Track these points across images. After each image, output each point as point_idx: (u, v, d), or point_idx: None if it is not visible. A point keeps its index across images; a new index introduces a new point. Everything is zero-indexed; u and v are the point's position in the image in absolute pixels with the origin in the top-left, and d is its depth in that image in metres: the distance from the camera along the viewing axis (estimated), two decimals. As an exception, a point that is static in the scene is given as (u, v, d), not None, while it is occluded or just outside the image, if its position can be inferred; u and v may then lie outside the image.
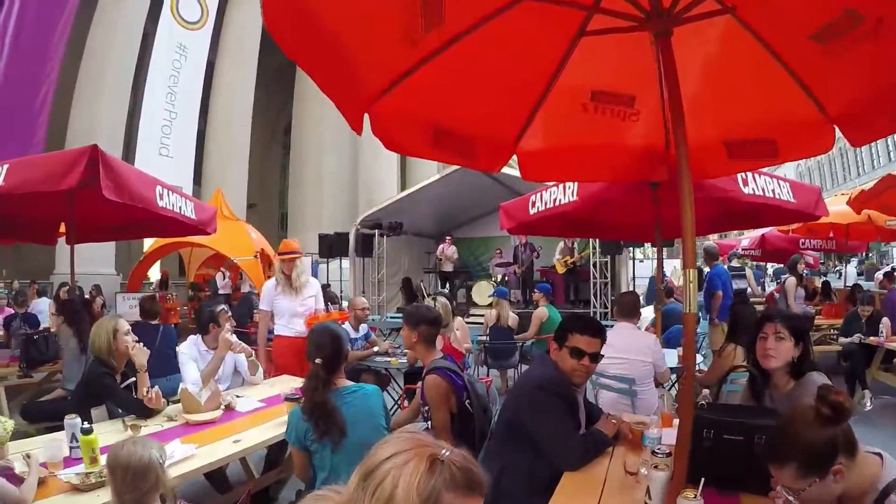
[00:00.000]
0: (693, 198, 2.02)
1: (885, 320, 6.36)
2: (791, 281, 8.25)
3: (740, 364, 3.22)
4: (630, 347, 3.92)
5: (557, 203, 4.03)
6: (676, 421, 2.35)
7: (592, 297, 11.56)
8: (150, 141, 14.79)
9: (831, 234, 10.25)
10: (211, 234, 5.79)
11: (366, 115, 2.18)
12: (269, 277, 13.03)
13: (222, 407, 3.35)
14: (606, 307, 11.44)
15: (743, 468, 1.93)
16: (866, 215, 8.36)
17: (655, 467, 1.96)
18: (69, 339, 4.97)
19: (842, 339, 6.97)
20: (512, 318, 6.91)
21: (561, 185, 4.02)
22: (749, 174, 3.73)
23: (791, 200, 4.06)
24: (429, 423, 2.96)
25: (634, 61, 2.43)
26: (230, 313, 4.24)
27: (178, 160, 15.39)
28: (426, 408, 2.95)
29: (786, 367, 2.30)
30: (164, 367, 4.87)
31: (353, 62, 1.96)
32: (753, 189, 3.78)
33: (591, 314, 11.13)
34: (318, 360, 2.43)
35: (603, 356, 2.59)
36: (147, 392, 3.20)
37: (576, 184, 3.86)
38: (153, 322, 5.58)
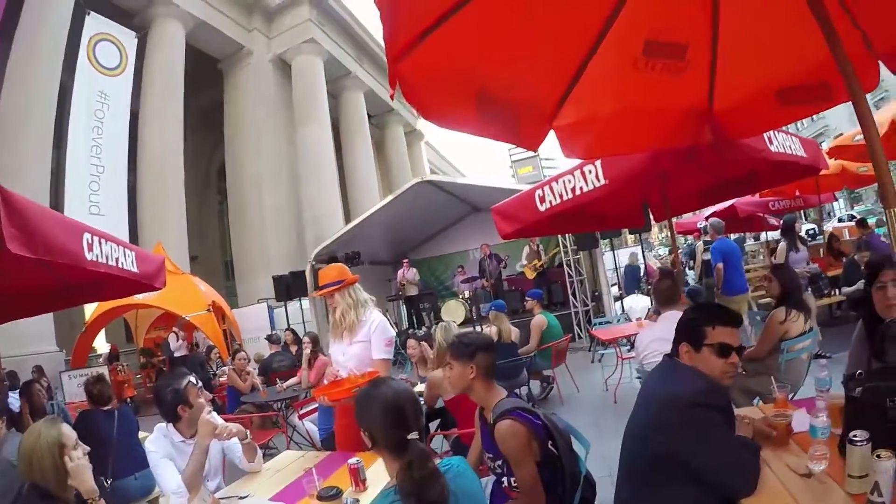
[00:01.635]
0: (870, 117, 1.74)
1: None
2: (782, 246, 8.01)
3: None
4: None
5: (579, 192, 3.54)
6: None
7: (571, 296, 11.11)
8: (78, 199, 13.69)
9: (797, 193, 10.23)
10: (159, 290, 4.67)
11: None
12: (225, 331, 12.63)
13: None
14: (587, 305, 11.04)
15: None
16: (840, 166, 8.38)
17: (878, 458, 1.61)
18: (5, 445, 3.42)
19: (846, 289, 6.84)
20: (514, 333, 6.33)
21: (577, 172, 3.55)
22: (772, 132, 3.42)
23: (804, 155, 3.79)
24: (504, 479, 2.37)
25: (691, 3, 2.20)
26: (199, 384, 3.12)
27: (111, 217, 14.20)
28: (498, 462, 2.36)
29: None
30: (129, 462, 3.96)
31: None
32: (778, 147, 3.47)
33: (573, 315, 10.81)
34: (414, 436, 1.73)
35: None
36: None
37: (597, 164, 3.41)
38: (105, 408, 4.45)
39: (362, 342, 3.40)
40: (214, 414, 2.97)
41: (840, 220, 22.04)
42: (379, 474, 2.60)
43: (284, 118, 21.39)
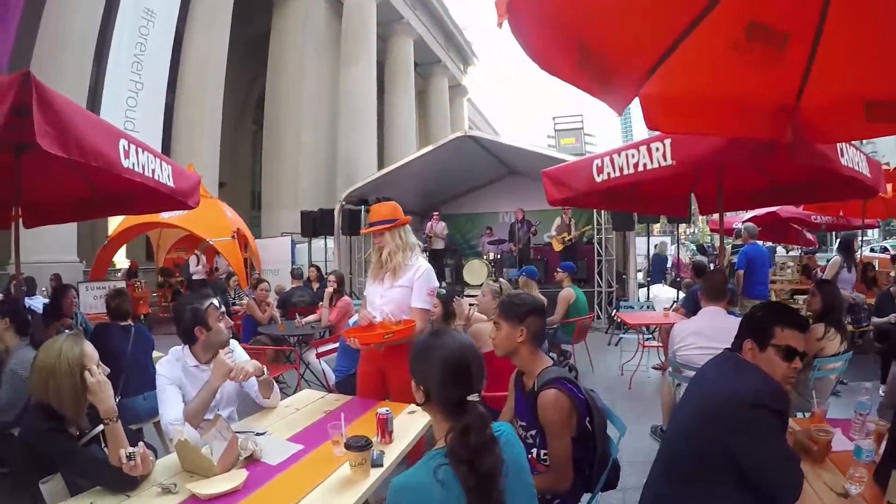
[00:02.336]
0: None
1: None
2: (836, 260, 7.66)
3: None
4: (724, 336, 3.39)
5: (642, 168, 3.40)
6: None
7: (597, 275, 10.94)
8: (114, 114, 13.53)
9: (841, 212, 9.90)
10: (192, 208, 4.56)
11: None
12: (246, 259, 12.68)
13: (240, 459, 2.25)
14: (612, 286, 10.88)
15: None
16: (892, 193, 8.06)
17: None
18: (15, 354, 3.35)
19: (875, 320, 6.61)
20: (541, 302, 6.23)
21: (643, 147, 3.40)
22: (844, 145, 3.31)
23: (868, 175, 3.64)
24: (533, 451, 2.25)
25: None
26: (222, 308, 2.94)
27: (145, 135, 13.93)
28: (531, 432, 2.27)
29: None
30: (140, 380, 3.87)
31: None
32: (848, 161, 3.34)
33: (597, 294, 10.67)
34: (475, 397, 1.56)
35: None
36: (127, 457, 1.99)
37: (666, 143, 3.25)
38: (122, 323, 4.40)
39: (403, 287, 3.26)
40: (234, 353, 2.86)
41: (872, 250, 21.56)
42: (402, 428, 2.56)
43: (330, 56, 21.09)
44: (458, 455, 1.44)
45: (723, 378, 2.03)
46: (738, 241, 9.20)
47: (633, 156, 3.50)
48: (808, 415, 2.72)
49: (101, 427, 2.16)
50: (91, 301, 10.28)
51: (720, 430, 1.85)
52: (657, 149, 3.31)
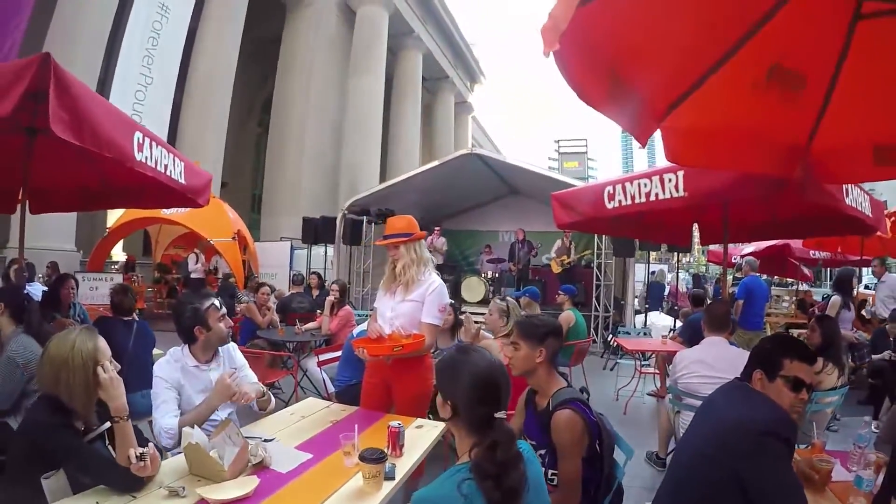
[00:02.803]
0: None
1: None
2: (836, 300, 7.63)
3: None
4: (727, 365, 3.48)
5: (654, 198, 3.46)
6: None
7: (595, 299, 11.00)
8: (122, 107, 13.52)
9: (839, 249, 10.01)
10: (201, 206, 4.57)
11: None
12: (244, 261, 12.67)
13: (250, 465, 2.22)
14: (609, 311, 10.94)
15: None
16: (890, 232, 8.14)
17: None
18: (11, 341, 3.24)
19: (872, 357, 6.59)
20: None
21: (655, 177, 3.46)
22: (849, 185, 3.38)
23: (870, 214, 3.74)
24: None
25: (824, 39, 2.17)
26: (223, 310, 2.90)
27: (151, 130, 14.06)
28: (541, 451, 2.28)
29: None
30: (140, 377, 3.60)
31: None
32: (852, 200, 3.43)
33: (594, 318, 10.71)
34: (501, 414, 1.59)
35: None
36: (137, 457, 1.96)
37: (679, 175, 3.31)
38: (125, 318, 4.37)
39: (415, 302, 3.25)
40: (242, 376, 2.83)
41: (866, 287, 21.70)
42: (411, 442, 2.56)
43: (339, 65, 21.26)
44: (485, 470, 1.46)
45: (732, 405, 2.08)
46: (739, 274, 9.31)
47: (645, 185, 3.55)
48: (807, 446, 2.77)
49: (107, 424, 2.12)
50: (87, 292, 10.18)
51: (729, 456, 1.89)
52: (669, 180, 3.36)
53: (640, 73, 2.00)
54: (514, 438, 1.56)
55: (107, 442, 2.13)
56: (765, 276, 12.96)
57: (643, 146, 2.32)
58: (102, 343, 2.13)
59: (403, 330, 3.23)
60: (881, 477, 2.16)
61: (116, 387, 2.07)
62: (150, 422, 3.83)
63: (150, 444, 2.08)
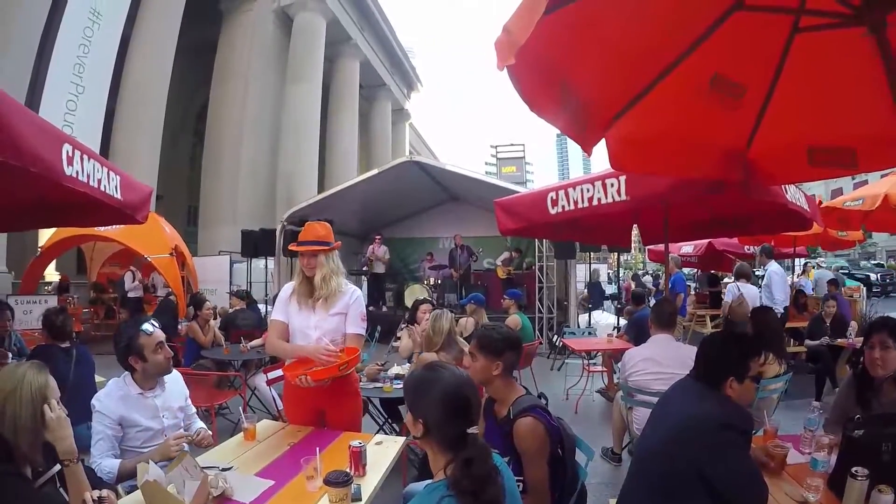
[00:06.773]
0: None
1: (853, 323, 6.97)
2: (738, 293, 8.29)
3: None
4: (674, 361, 3.65)
5: (597, 203, 3.53)
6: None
7: (538, 301, 11.17)
8: (53, 117, 12.65)
9: (773, 243, 10.51)
10: (140, 223, 4.16)
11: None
12: (183, 277, 12.22)
13: (211, 497, 2.08)
14: (552, 312, 11.15)
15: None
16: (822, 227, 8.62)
17: (880, 491, 1.93)
18: None
19: (808, 342, 7.05)
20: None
21: (598, 183, 3.53)
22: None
23: (807, 210, 3.91)
24: None
25: (764, 50, 2.34)
26: (160, 336, 2.76)
27: (83, 140, 12.78)
28: (505, 459, 2.30)
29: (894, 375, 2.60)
30: (83, 408, 3.05)
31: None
32: (791, 197, 3.58)
33: (538, 320, 10.87)
34: (473, 430, 1.58)
35: None
36: (94, 501, 1.85)
37: (621, 180, 3.39)
38: (63, 344, 4.12)
39: (340, 314, 3.03)
40: (183, 444, 2.57)
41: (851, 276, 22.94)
42: (373, 460, 2.51)
43: (276, 72, 20.97)
44: (463, 486, 1.45)
45: (689, 403, 2.16)
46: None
47: (588, 190, 3.61)
48: (757, 431, 2.89)
49: (57, 467, 1.94)
50: (21, 316, 9.49)
51: (691, 450, 1.98)
52: (612, 185, 3.42)
53: (589, 85, 2.07)
54: (490, 453, 1.56)
55: (58, 485, 1.95)
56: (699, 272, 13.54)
57: (589, 155, 2.37)
58: (52, 382, 1.97)
59: (335, 345, 2.98)
60: (834, 457, 2.31)
61: (64, 427, 1.92)
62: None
63: (105, 492, 1.94)
